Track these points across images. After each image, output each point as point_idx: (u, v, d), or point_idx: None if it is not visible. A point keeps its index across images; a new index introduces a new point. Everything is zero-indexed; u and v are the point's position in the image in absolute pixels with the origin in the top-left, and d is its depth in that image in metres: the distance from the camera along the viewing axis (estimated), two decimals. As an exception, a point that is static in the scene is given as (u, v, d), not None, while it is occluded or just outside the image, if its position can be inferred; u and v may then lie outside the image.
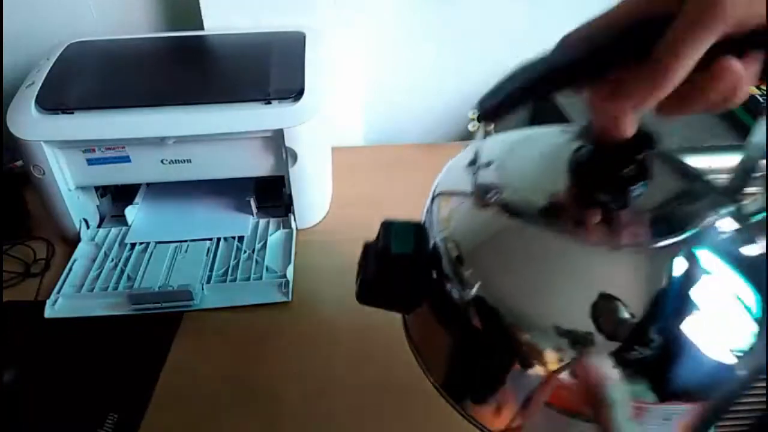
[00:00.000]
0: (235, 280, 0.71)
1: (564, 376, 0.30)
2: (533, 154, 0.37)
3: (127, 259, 0.74)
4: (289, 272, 0.71)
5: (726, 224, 0.32)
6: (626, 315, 0.29)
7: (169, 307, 0.67)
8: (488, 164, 0.37)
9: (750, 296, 0.30)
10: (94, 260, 0.74)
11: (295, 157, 0.73)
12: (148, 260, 0.74)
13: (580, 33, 0.29)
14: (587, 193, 0.33)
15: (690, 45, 0.24)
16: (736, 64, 0.25)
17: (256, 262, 0.73)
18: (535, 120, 0.92)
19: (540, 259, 0.32)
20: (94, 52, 0.82)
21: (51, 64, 0.76)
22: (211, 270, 0.72)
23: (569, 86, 0.31)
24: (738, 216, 0.33)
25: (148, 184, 0.85)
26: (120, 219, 0.80)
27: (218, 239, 0.77)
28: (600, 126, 0.29)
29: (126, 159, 0.72)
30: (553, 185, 0.33)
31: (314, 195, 0.79)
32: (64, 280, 0.71)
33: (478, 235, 0.34)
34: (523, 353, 0.30)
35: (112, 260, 0.74)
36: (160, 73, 0.80)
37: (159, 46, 0.87)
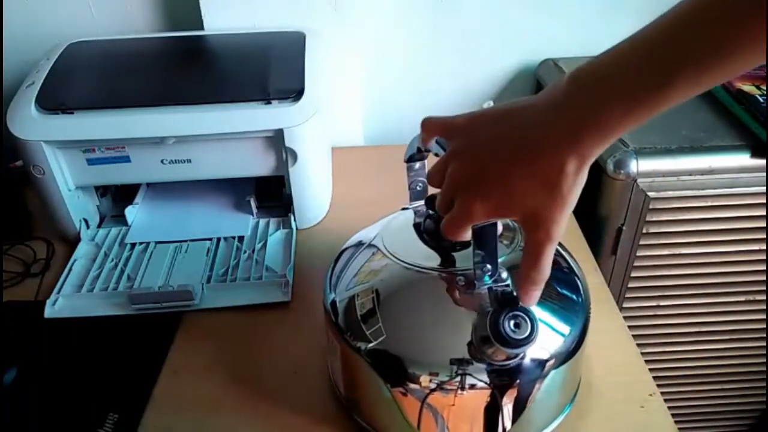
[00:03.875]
0: (235, 280, 0.70)
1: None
2: (399, 226, 0.55)
3: (127, 259, 0.74)
4: (289, 272, 0.71)
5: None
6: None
7: (169, 307, 0.67)
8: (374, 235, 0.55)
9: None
10: (94, 260, 0.74)
11: (295, 157, 0.72)
12: (148, 260, 0.74)
13: (436, 120, 0.46)
14: (433, 241, 0.51)
15: (468, 223, 0.42)
16: None
17: (256, 262, 0.73)
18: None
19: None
20: (94, 52, 0.82)
21: (51, 64, 0.76)
22: (211, 270, 0.72)
23: None
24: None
25: (148, 184, 0.85)
26: (120, 219, 0.80)
27: (218, 239, 0.77)
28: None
29: (126, 159, 0.72)
30: (413, 243, 0.52)
31: (314, 195, 0.79)
32: (64, 280, 0.71)
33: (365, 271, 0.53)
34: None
35: (112, 260, 0.74)
36: (160, 73, 0.80)
37: (159, 46, 0.87)
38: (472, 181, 0.40)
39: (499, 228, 0.44)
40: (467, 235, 0.43)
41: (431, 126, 0.46)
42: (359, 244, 0.55)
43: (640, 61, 0.34)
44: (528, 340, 0.41)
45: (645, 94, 0.33)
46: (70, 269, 0.73)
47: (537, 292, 0.42)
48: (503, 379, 0.46)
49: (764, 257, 0.80)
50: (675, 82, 0.33)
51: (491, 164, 0.39)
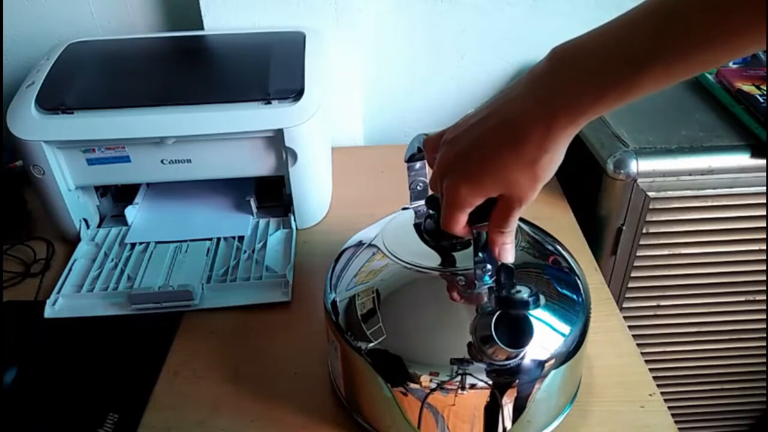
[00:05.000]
0: (235, 280, 0.70)
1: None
2: (399, 226, 0.55)
3: (127, 259, 0.74)
4: (289, 272, 0.71)
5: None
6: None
7: (169, 307, 0.67)
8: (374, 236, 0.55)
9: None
10: (94, 260, 0.74)
11: (295, 157, 0.72)
12: (148, 260, 0.74)
13: (434, 136, 0.46)
14: (433, 241, 0.51)
15: (458, 209, 0.42)
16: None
17: (256, 262, 0.73)
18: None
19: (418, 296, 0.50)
20: (94, 52, 0.82)
21: (51, 64, 0.76)
22: (211, 270, 0.72)
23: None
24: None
25: (148, 184, 0.85)
26: (120, 219, 0.80)
27: (218, 239, 0.77)
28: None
29: (126, 159, 0.72)
30: (413, 243, 0.52)
31: (314, 195, 0.79)
32: (64, 280, 0.71)
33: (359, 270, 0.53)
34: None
35: (112, 260, 0.74)
36: (160, 73, 0.80)
37: (159, 46, 0.87)
38: (454, 165, 0.41)
39: None
40: (464, 224, 0.43)
41: (432, 143, 0.46)
42: (359, 244, 0.56)
43: (617, 46, 0.34)
44: (527, 340, 0.41)
45: (620, 79, 0.34)
46: (70, 269, 0.73)
47: (509, 245, 0.43)
48: (503, 379, 0.46)
49: (764, 257, 0.80)
50: (650, 69, 0.32)
51: (470, 147, 0.40)
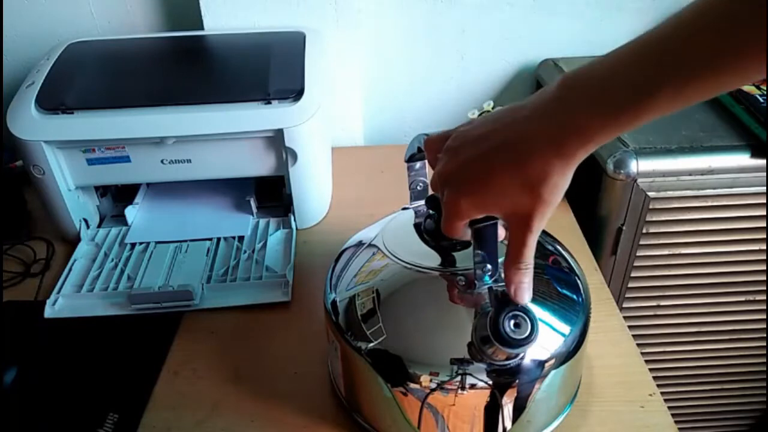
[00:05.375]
0: (235, 280, 0.70)
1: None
2: (399, 226, 0.55)
3: (127, 259, 0.74)
4: (289, 272, 0.71)
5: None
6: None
7: (169, 307, 0.67)
8: (374, 235, 0.55)
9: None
10: (94, 260, 0.74)
11: (295, 157, 0.73)
12: (148, 260, 0.74)
13: (436, 136, 0.46)
14: (434, 241, 0.51)
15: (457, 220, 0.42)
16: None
17: (256, 262, 0.73)
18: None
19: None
20: (94, 52, 0.82)
21: (51, 64, 0.76)
22: (211, 270, 0.72)
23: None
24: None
25: (148, 184, 0.85)
26: (120, 219, 0.80)
27: (218, 239, 0.77)
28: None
29: (126, 159, 0.72)
30: (413, 243, 0.52)
31: (314, 195, 0.79)
32: (64, 280, 0.71)
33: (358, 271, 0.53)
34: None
35: (112, 260, 0.74)
36: (160, 73, 0.80)
37: (159, 46, 0.87)
38: (456, 177, 0.41)
39: (501, 230, 0.44)
40: (466, 232, 0.43)
41: (433, 143, 0.46)
42: (359, 244, 0.56)
43: (626, 71, 0.34)
44: (528, 340, 0.41)
45: (628, 104, 0.34)
46: (70, 269, 0.73)
47: (526, 284, 0.42)
48: (503, 379, 0.46)
49: (764, 257, 0.80)
50: (658, 94, 0.32)
51: (473, 162, 0.40)
